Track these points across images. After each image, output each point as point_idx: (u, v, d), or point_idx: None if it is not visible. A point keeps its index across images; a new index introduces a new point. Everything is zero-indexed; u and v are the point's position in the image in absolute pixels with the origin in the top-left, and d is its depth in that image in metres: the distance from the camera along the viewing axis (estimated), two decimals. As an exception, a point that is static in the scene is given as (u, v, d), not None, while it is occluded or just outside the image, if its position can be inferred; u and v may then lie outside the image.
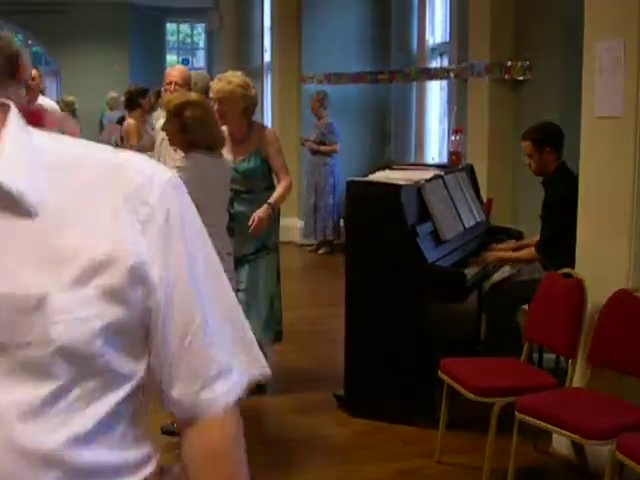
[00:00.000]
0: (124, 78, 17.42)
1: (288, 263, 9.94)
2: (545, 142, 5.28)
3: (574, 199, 4.50)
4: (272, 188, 5.47)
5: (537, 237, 5.42)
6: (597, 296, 4.17)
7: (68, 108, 9.27)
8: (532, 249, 5.33)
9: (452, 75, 9.05)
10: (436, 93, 10.49)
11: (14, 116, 1.21)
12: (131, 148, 7.24)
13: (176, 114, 4.50)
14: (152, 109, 9.07)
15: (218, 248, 4.78)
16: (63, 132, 4.28)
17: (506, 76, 7.68)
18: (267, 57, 13.55)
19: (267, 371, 1.38)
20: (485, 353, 5.49)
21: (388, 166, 6.51)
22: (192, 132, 4.48)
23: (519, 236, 6.24)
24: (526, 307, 5.28)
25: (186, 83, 5.99)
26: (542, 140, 5.28)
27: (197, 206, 4.68)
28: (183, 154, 4.59)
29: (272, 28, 12.19)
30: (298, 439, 4.84)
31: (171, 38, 20.34)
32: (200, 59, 20.41)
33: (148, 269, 1.20)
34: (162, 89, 6.40)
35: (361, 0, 11.36)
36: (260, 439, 4.82)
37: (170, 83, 6.02)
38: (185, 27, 20.47)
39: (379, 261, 4.95)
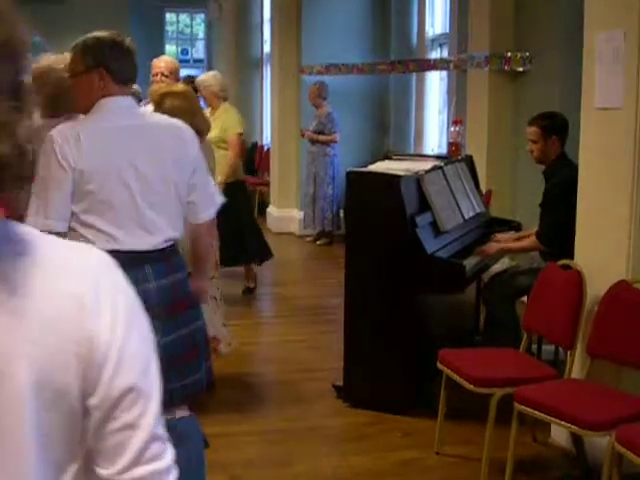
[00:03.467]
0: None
1: (287, 254, 9.97)
2: (553, 131, 5.29)
3: (574, 188, 4.51)
4: None
5: (536, 227, 5.43)
6: (596, 287, 4.18)
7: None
8: (534, 238, 5.34)
9: (452, 66, 9.03)
10: (436, 84, 10.47)
11: None
12: None
13: (158, 103, 4.69)
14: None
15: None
16: None
17: (506, 67, 7.67)
18: (267, 48, 13.52)
19: None
20: (484, 344, 5.50)
21: (387, 157, 6.51)
22: None
23: (518, 227, 6.24)
24: (525, 298, 5.28)
25: (172, 73, 5.98)
26: (550, 128, 5.29)
27: None
28: None
29: (272, 19, 12.16)
30: (297, 429, 4.85)
31: (170, 28, 20.27)
32: (199, 49, 20.32)
33: None
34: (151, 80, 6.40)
35: (361, -9, 11.35)
36: (259, 429, 4.83)
37: (156, 74, 6.04)
38: (184, 17, 20.40)
39: (379, 252, 4.94)
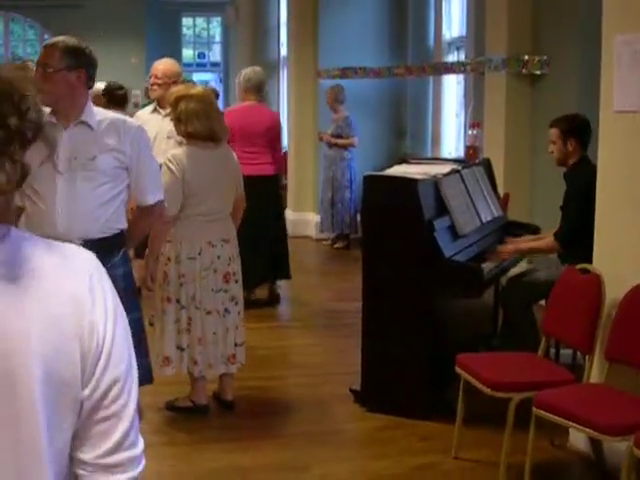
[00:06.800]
0: (140, 72, 17.44)
1: (304, 257, 9.97)
2: (571, 134, 5.29)
3: (593, 191, 4.49)
4: None
5: (555, 230, 5.42)
6: (615, 291, 4.15)
7: None
8: (551, 239, 5.34)
9: (469, 69, 9.02)
10: (453, 87, 10.46)
11: None
12: None
13: (174, 105, 4.84)
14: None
15: (221, 235, 4.92)
16: None
17: (523, 70, 7.64)
18: (283, 51, 13.54)
19: None
20: (502, 348, 5.48)
21: (405, 160, 6.51)
22: (186, 123, 4.77)
23: (536, 231, 6.22)
24: (543, 302, 5.27)
25: (167, 76, 5.99)
26: (569, 131, 5.30)
27: (194, 195, 4.92)
28: (178, 146, 4.94)
29: (288, 22, 12.17)
30: (314, 433, 4.84)
31: (187, 32, 20.32)
32: (216, 53, 20.37)
33: None
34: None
35: (378, -6, 11.35)
36: (277, 433, 4.83)
37: (151, 76, 6.10)
38: (201, 21, 20.45)
39: (396, 256, 4.94)
